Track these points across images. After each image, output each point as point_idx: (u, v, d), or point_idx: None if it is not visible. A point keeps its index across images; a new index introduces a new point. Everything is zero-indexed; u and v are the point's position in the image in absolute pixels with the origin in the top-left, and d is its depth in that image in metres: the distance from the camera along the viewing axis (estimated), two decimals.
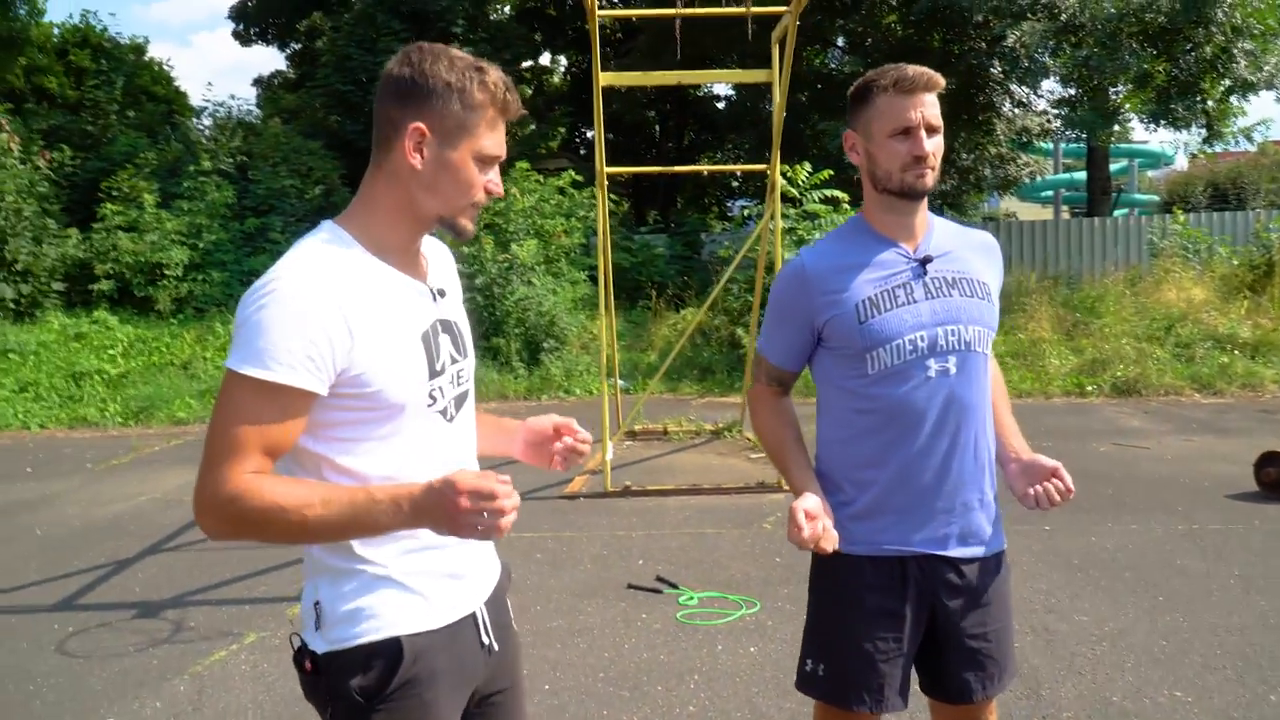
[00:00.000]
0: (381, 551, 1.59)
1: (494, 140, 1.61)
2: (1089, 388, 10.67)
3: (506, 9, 23.12)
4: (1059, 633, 4.15)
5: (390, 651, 1.58)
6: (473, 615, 1.71)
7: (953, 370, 1.98)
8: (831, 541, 1.90)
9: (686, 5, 6.15)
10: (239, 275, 14.24)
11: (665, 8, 6.30)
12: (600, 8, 6.30)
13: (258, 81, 28.73)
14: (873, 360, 1.98)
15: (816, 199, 11.92)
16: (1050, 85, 15.51)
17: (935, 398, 1.98)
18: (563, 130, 23.91)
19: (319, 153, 16.80)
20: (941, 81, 1.97)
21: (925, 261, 2.00)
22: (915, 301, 1.98)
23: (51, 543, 6.21)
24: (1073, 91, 15.18)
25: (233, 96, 23.27)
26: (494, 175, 1.64)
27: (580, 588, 4.98)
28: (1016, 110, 17.50)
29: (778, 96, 6.19)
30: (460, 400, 1.71)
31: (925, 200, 2.03)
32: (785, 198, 12.06)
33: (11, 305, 13.06)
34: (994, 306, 2.07)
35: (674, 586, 4.90)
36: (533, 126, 20.31)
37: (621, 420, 8.89)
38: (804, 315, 2.03)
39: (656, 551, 5.52)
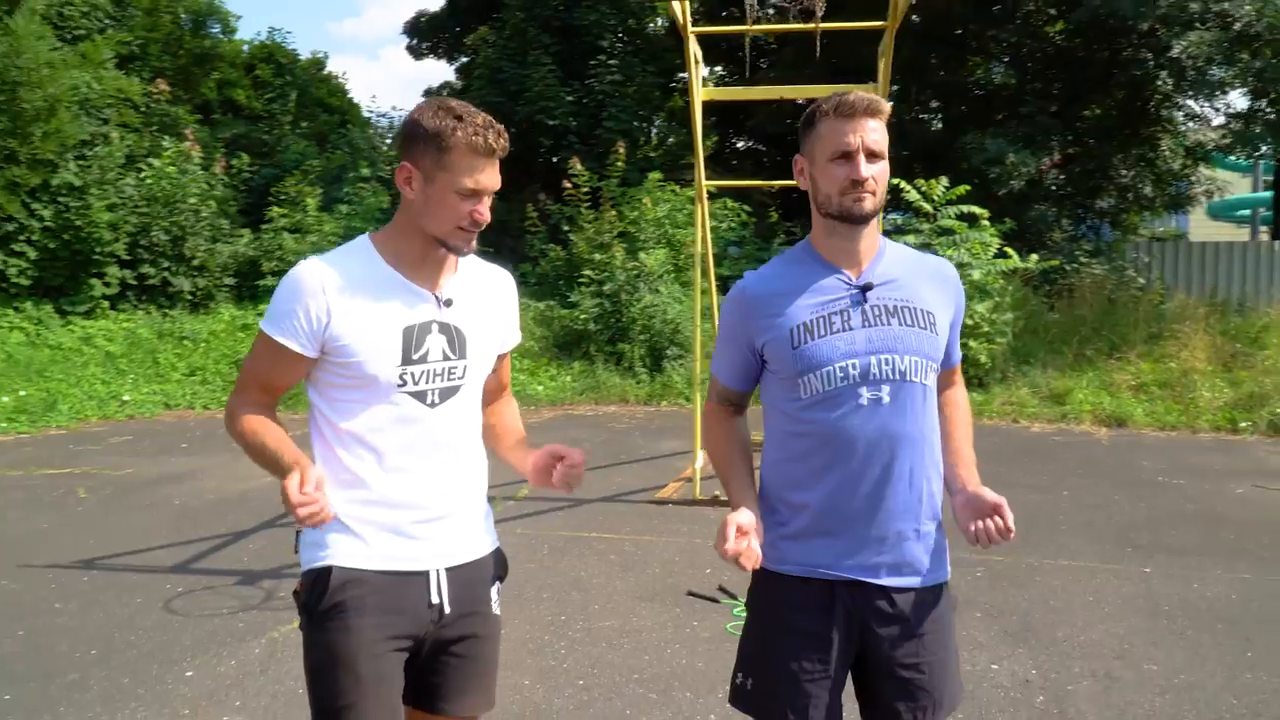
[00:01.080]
0: (336, 497, 1.90)
1: (473, 177, 1.90)
2: (1242, 424, 9.94)
3: (660, 20, 23.47)
4: (1120, 680, 3.94)
5: (325, 577, 1.93)
6: (425, 574, 1.99)
7: (885, 399, 1.98)
8: (752, 559, 1.93)
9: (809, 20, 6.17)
10: None
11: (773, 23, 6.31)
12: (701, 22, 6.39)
13: (427, 92, 30.29)
14: (805, 385, 2.00)
15: (953, 215, 11.60)
16: (1228, 98, 14.54)
17: (867, 426, 1.98)
18: (711, 141, 24.06)
19: None
20: (886, 108, 1.98)
21: (865, 289, 2.01)
22: (851, 329, 1.99)
23: (185, 512, 6.81)
24: (1249, 105, 14.16)
25: (394, 107, 24.38)
26: (482, 205, 1.94)
27: (642, 591, 5.08)
28: (1190, 125, 16.45)
29: None
30: (448, 393, 2.00)
31: (872, 226, 2.03)
32: (919, 213, 11.81)
33: (188, 297, 14.25)
34: (937, 337, 2.04)
35: (733, 597, 4.93)
36: (670, 139, 20.54)
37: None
38: (745, 337, 2.07)
39: (728, 562, 5.55)
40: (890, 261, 2.07)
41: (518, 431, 2.31)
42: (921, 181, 11.79)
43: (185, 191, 14.06)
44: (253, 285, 14.91)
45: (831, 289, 2.02)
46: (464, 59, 27.60)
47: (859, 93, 1.98)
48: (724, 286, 14.34)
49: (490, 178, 1.94)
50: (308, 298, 1.93)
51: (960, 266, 11.26)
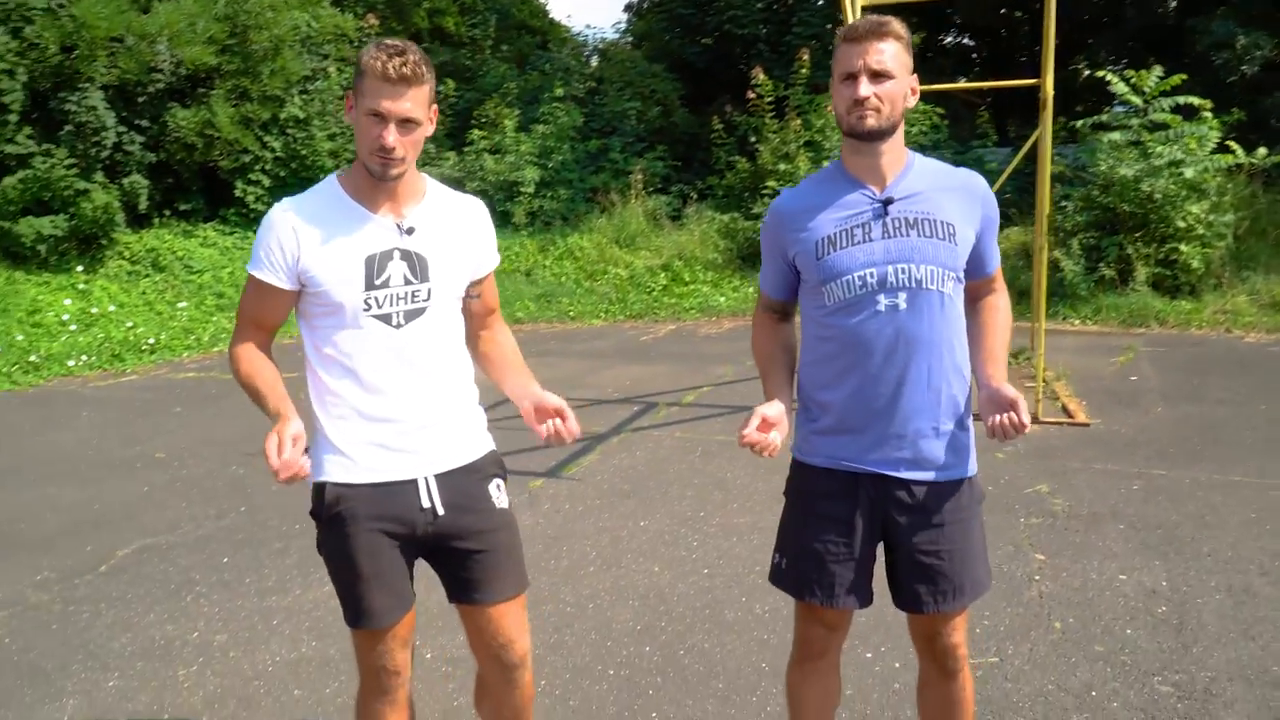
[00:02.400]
0: (325, 419, 2.22)
1: (378, 101, 2.02)
2: None
3: None
4: (1258, 596, 3.77)
5: (321, 492, 2.22)
6: (414, 481, 2.23)
7: (902, 305, 2.10)
8: (768, 449, 2.12)
9: None
10: (581, 192, 15.58)
11: None
12: None
13: (628, 8, 30.41)
14: (828, 293, 2.15)
15: (1166, 107, 10.69)
16: None
17: (885, 330, 2.11)
18: (917, 38, 22.94)
19: (661, 75, 17.67)
20: (895, 29, 2.05)
21: (887, 203, 2.11)
22: (871, 240, 2.10)
23: None
24: None
25: (588, 26, 24.66)
26: (387, 130, 2.03)
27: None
28: None
29: (1047, 6, 5.78)
30: (412, 314, 2.19)
31: (893, 142, 2.12)
32: (1128, 106, 10.97)
33: None
34: (956, 247, 2.11)
35: None
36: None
37: None
38: (779, 250, 2.24)
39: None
40: (915, 176, 2.15)
41: (514, 361, 2.46)
42: (1131, 72, 10.92)
43: None
44: None
45: (855, 203, 2.14)
46: None
47: (870, 17, 2.07)
48: None
49: (392, 104, 2.02)
50: (279, 236, 2.12)
51: (1172, 165, 10.42)
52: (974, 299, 2.30)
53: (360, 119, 2.06)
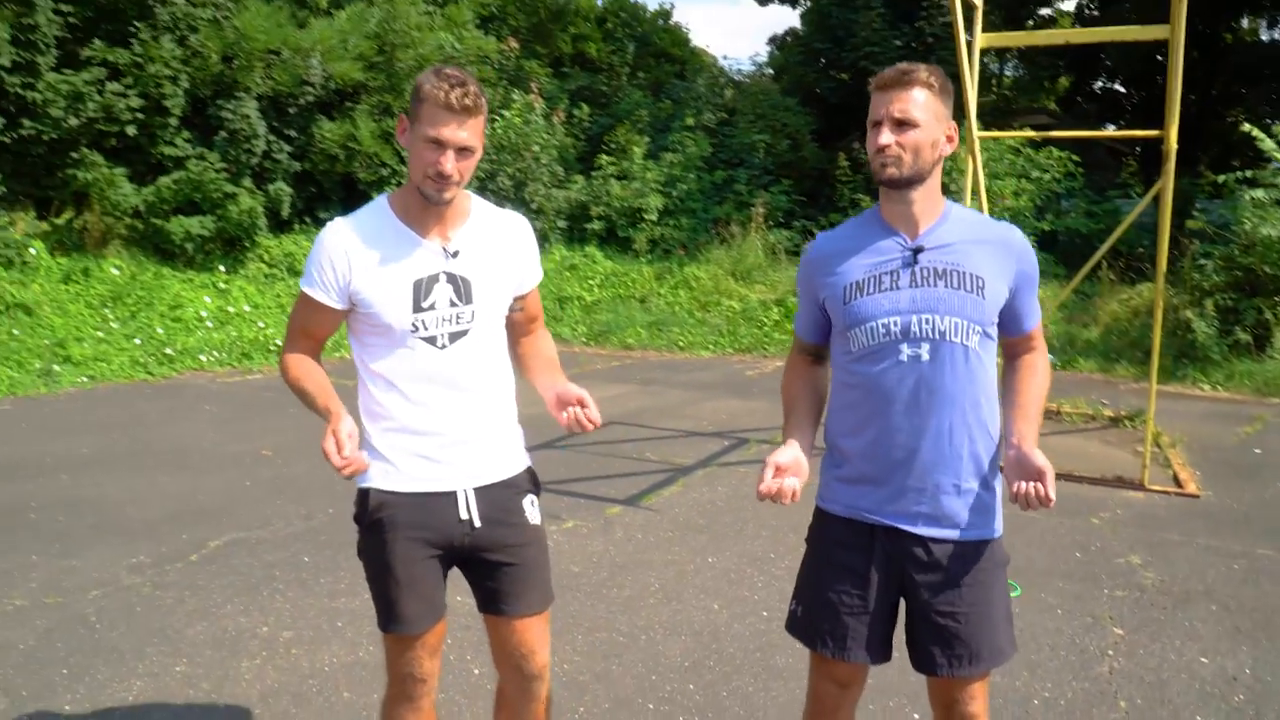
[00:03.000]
0: (372, 428, 2.29)
1: (437, 129, 2.08)
2: None
3: None
4: None
5: (365, 497, 2.29)
6: (453, 493, 2.29)
7: (924, 356, 2.06)
8: (786, 497, 2.08)
9: None
10: (704, 222, 15.65)
11: None
12: None
13: (772, 39, 30.47)
14: (853, 339, 2.12)
15: None
16: None
17: (906, 380, 2.07)
18: (1063, 82, 22.20)
19: (794, 109, 17.61)
20: (923, 78, 2.02)
21: (917, 251, 2.08)
22: (898, 288, 2.07)
23: None
24: None
25: (724, 57, 24.73)
26: (444, 157, 2.09)
27: None
28: None
29: (1173, 54, 5.53)
30: (456, 335, 2.26)
31: (927, 190, 2.08)
32: (1265, 158, 10.37)
33: None
34: (984, 301, 2.06)
35: None
36: (1003, 81, 19.13)
37: None
38: (812, 293, 2.23)
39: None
40: (950, 226, 2.11)
41: (546, 357, 2.52)
42: (1252, 126, 10.32)
43: (528, 140, 15.46)
44: (582, 228, 16.13)
45: (887, 250, 2.11)
46: (805, 4, 27.52)
47: (900, 66, 2.04)
48: (1042, 241, 13.43)
49: (451, 132, 2.07)
50: (332, 257, 2.19)
51: None
52: (1011, 356, 2.24)
53: (417, 144, 2.12)
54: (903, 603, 2.22)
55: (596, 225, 15.81)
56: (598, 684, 3.56)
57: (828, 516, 2.23)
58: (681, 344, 12.47)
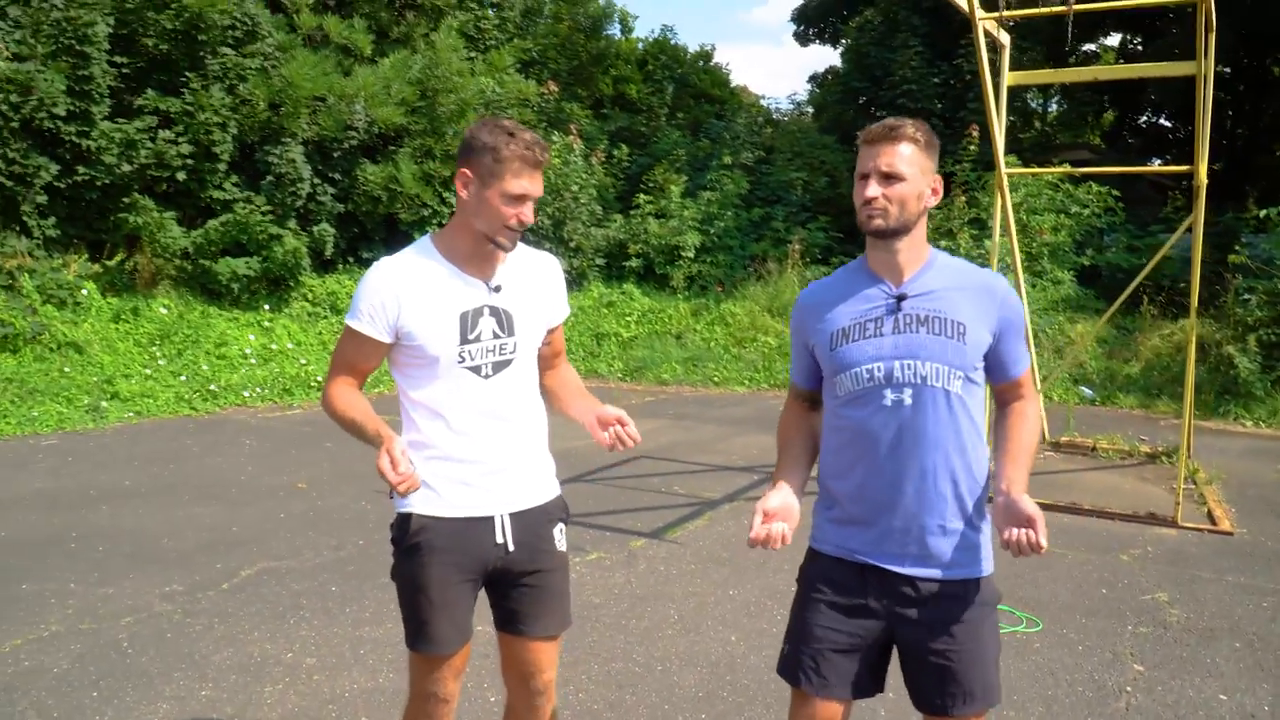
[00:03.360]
0: (415, 458, 2.33)
1: (519, 184, 2.24)
2: None
3: None
4: None
5: (406, 521, 2.38)
6: (490, 518, 2.38)
7: (907, 401, 2.10)
8: (776, 542, 2.13)
9: None
10: (741, 259, 15.74)
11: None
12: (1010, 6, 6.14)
13: (812, 78, 30.65)
14: (839, 384, 2.18)
15: None
16: None
17: (890, 424, 2.12)
18: (1107, 117, 22.05)
19: (832, 147, 17.72)
20: (910, 133, 2.09)
21: (900, 299, 2.13)
22: (882, 335, 2.13)
23: None
24: None
25: (763, 97, 24.88)
26: (526, 208, 2.28)
27: None
28: None
29: (1200, 90, 5.53)
30: (500, 365, 2.37)
31: (912, 240, 2.14)
32: None
33: (566, 274, 15.92)
34: (965, 347, 2.10)
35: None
36: (1013, 120, 19.02)
37: (1046, 432, 8.49)
38: (803, 340, 2.29)
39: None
40: (933, 274, 2.16)
41: (576, 385, 2.64)
42: None
43: (568, 180, 15.71)
44: (620, 265, 16.28)
45: (872, 298, 2.17)
46: (847, 43, 27.70)
47: (887, 121, 2.11)
48: (1082, 276, 13.29)
49: (536, 186, 2.26)
50: (381, 295, 2.29)
51: None
52: (1002, 404, 2.27)
53: (493, 199, 2.24)
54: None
55: (634, 263, 15.96)
56: (610, 712, 3.60)
57: (819, 556, 2.27)
58: (716, 379, 12.50)
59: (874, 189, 2.08)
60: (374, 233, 14.33)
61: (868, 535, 2.17)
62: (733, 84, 26.03)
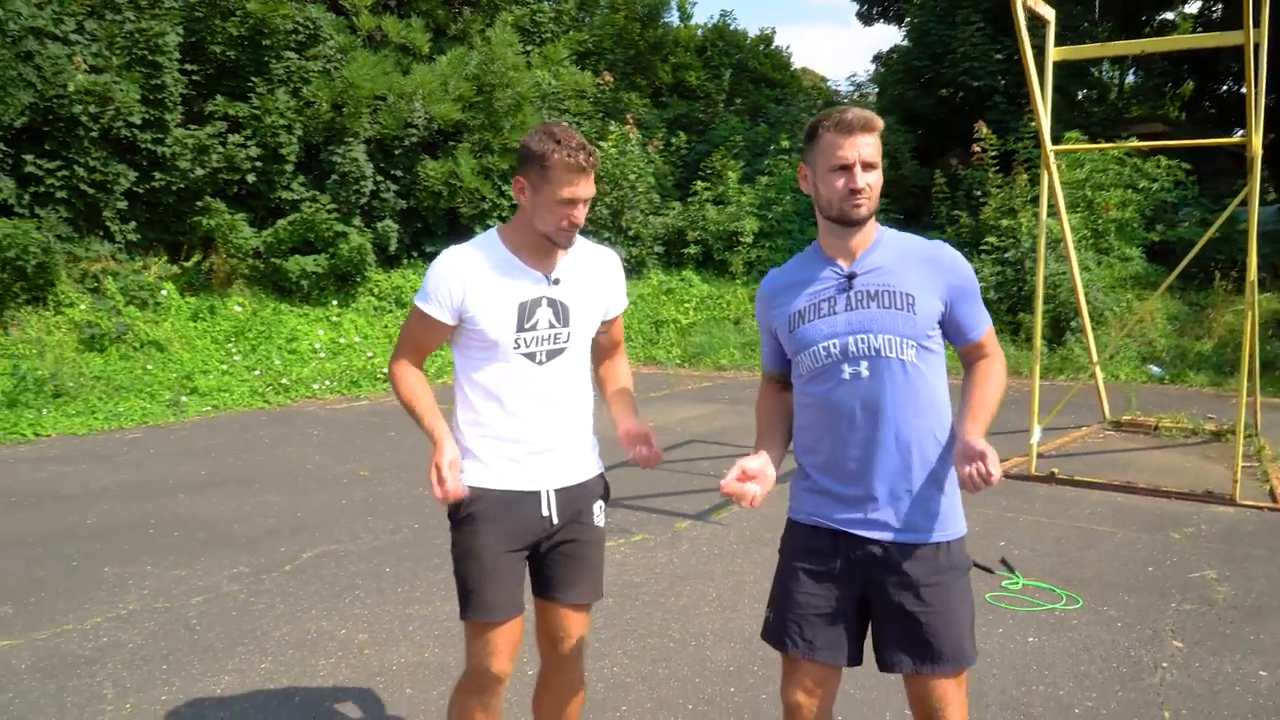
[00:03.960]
0: (470, 434, 2.55)
1: (569, 190, 2.39)
2: None
3: None
4: None
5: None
6: (537, 493, 2.54)
7: (864, 374, 2.20)
8: (746, 499, 2.22)
9: None
10: (800, 243, 15.69)
11: None
12: None
13: (876, 58, 30.24)
14: (800, 363, 2.29)
15: None
16: None
17: (850, 397, 2.22)
18: (1185, 88, 21.36)
19: (892, 127, 17.51)
20: (879, 125, 2.18)
21: (851, 277, 2.23)
22: (835, 313, 2.23)
23: None
24: None
25: (827, 79, 24.58)
26: (577, 210, 2.43)
27: None
28: None
29: (1250, 61, 5.40)
30: (553, 354, 2.53)
31: (866, 223, 2.23)
32: None
33: (625, 263, 16.07)
34: (915, 316, 2.18)
35: (1011, 571, 4.88)
36: (1087, 93, 18.52)
37: (1107, 410, 8.37)
38: (767, 325, 2.41)
39: (1029, 537, 5.44)
40: (881, 251, 2.25)
41: (623, 385, 2.77)
42: None
43: (625, 170, 15.85)
44: (679, 253, 16.38)
45: (825, 279, 2.27)
46: (909, 22, 27.24)
47: (858, 111, 2.18)
48: (1154, 252, 12.97)
49: (583, 189, 2.39)
50: (449, 280, 2.46)
51: None
52: (967, 364, 2.34)
53: (548, 203, 2.40)
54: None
55: (693, 250, 16.04)
56: (642, 685, 3.73)
57: (796, 525, 2.37)
58: None
59: (861, 180, 2.16)
60: (436, 227, 14.66)
61: (838, 503, 2.27)
62: (795, 67, 25.90)
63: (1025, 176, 13.07)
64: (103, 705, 3.61)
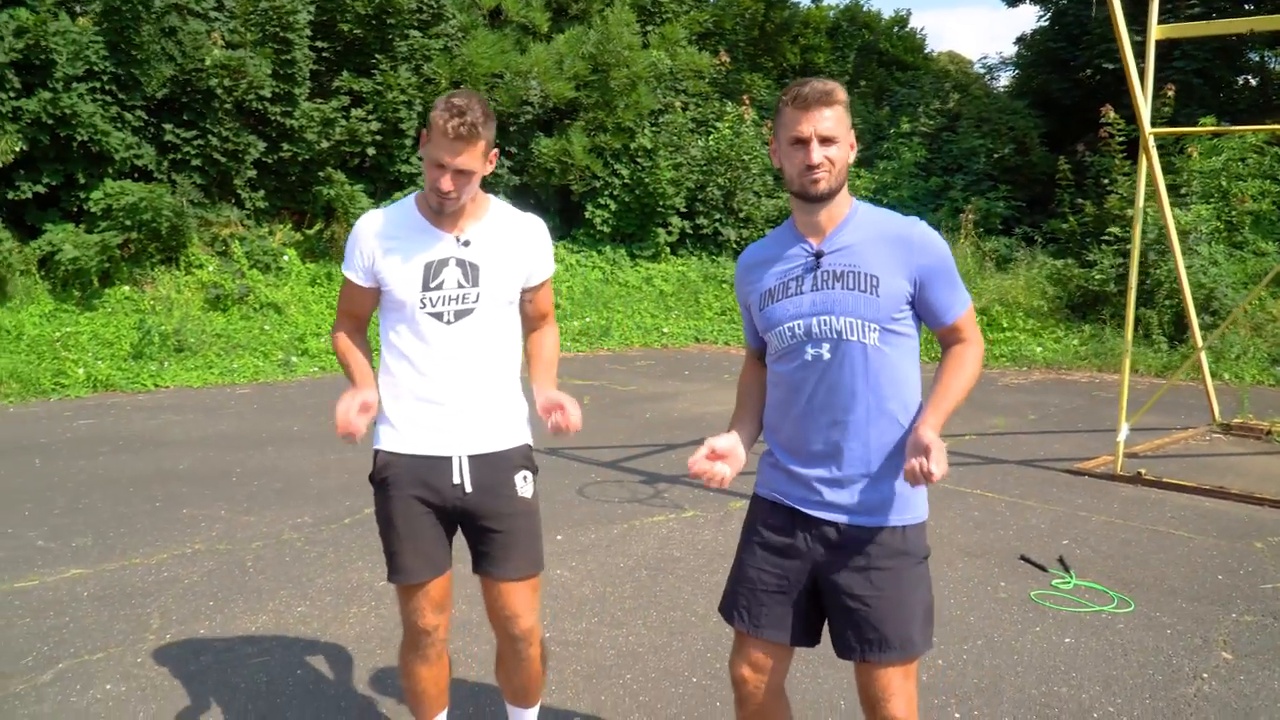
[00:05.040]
0: (386, 395, 2.60)
1: (438, 153, 2.40)
2: None
3: None
4: None
5: (376, 457, 2.61)
6: (449, 458, 2.55)
7: (826, 355, 2.16)
8: (714, 480, 2.22)
9: None
10: None
11: None
12: None
13: (1019, 39, 29.00)
14: (769, 342, 2.26)
15: None
16: None
17: (811, 378, 2.18)
18: None
19: (1022, 112, 16.81)
20: (841, 97, 2.11)
21: (819, 256, 2.17)
22: (802, 293, 2.19)
23: (650, 425, 8.10)
24: None
25: (952, 62, 23.63)
26: (445, 177, 2.41)
27: (976, 547, 5.03)
28: None
29: None
30: (462, 313, 2.54)
31: (834, 199, 2.17)
32: None
33: (734, 245, 16.00)
34: (879, 299, 2.12)
35: (1066, 570, 4.68)
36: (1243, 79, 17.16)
37: (1217, 412, 7.88)
38: (744, 302, 2.37)
39: (1097, 537, 5.18)
40: (852, 229, 2.19)
41: (546, 357, 2.76)
42: None
43: (739, 151, 15.73)
44: None
45: (795, 258, 2.22)
46: (1051, 4, 25.99)
47: (815, 84, 2.12)
48: None
49: (450, 156, 2.38)
50: (361, 242, 2.55)
51: None
52: (944, 347, 2.26)
53: (427, 162, 2.45)
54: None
55: None
56: (653, 655, 3.75)
57: (757, 499, 2.36)
58: None
59: (819, 153, 2.11)
60: (548, 203, 14.90)
61: (796, 482, 2.24)
62: (938, 50, 25.11)
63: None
64: (145, 634, 3.87)
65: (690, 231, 15.67)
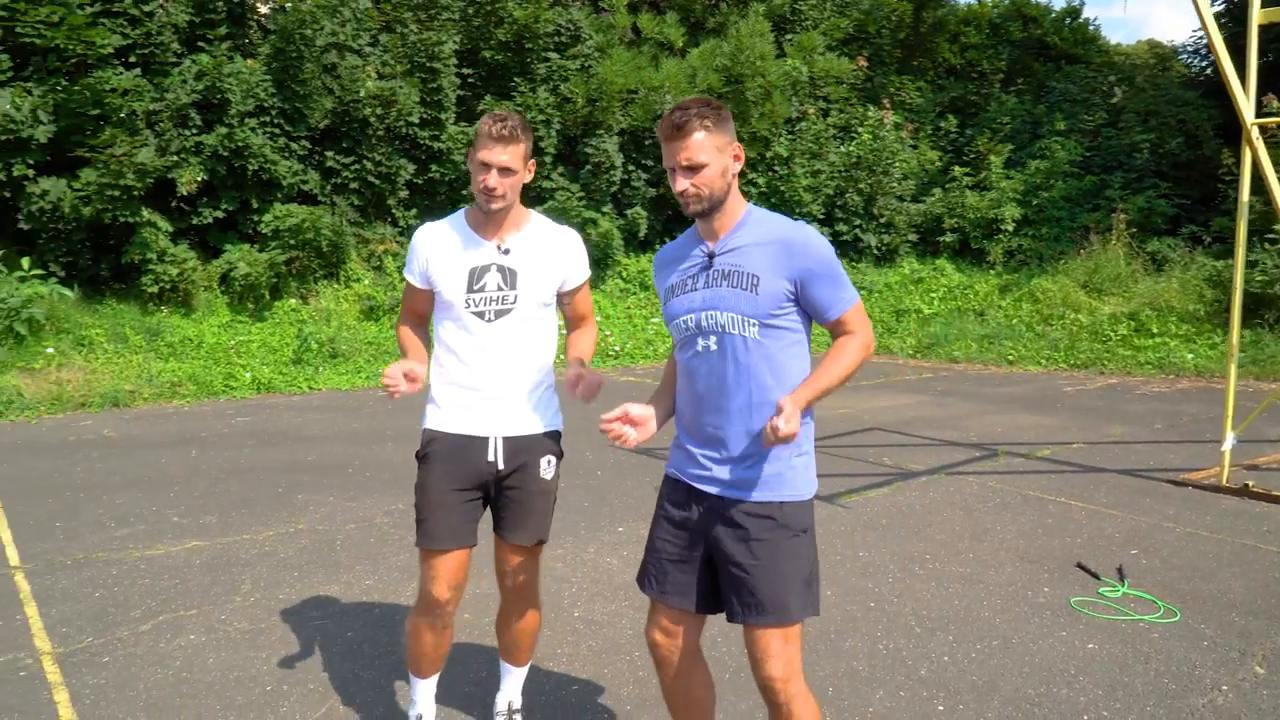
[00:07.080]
0: (435, 381, 2.96)
1: (484, 153, 2.76)
2: None
3: None
4: None
5: (423, 435, 2.96)
6: (485, 438, 2.89)
7: (713, 347, 2.38)
8: (621, 439, 2.46)
9: None
10: (1068, 230, 14.63)
11: None
12: None
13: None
14: (672, 334, 2.51)
15: None
16: None
17: (702, 368, 2.42)
18: None
19: (1194, 103, 15.82)
20: (697, 124, 2.30)
21: (711, 257, 2.40)
22: (695, 290, 2.42)
23: None
24: None
25: (1174, 52, 22.23)
26: (489, 176, 2.77)
27: (1036, 553, 4.97)
28: None
29: None
30: (501, 313, 2.88)
31: (728, 205, 2.39)
32: None
33: (875, 251, 15.84)
34: (758, 297, 2.31)
35: (1121, 579, 4.57)
36: None
37: None
38: (660, 294, 2.60)
39: (1171, 548, 5.00)
40: (743, 232, 2.39)
41: (580, 349, 3.04)
42: None
43: (879, 156, 15.58)
44: (934, 241, 15.84)
45: (694, 258, 2.47)
46: None
47: (676, 116, 2.32)
48: None
49: (496, 155, 2.72)
50: (417, 250, 2.94)
51: None
52: (833, 339, 2.41)
53: (474, 166, 2.80)
54: None
55: (949, 238, 15.47)
56: None
57: (666, 477, 2.59)
58: (1011, 358, 11.88)
59: (683, 183, 2.34)
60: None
61: (691, 460, 2.48)
62: (1118, 41, 23.83)
63: None
64: (234, 596, 4.43)
65: (830, 239, 15.56)
